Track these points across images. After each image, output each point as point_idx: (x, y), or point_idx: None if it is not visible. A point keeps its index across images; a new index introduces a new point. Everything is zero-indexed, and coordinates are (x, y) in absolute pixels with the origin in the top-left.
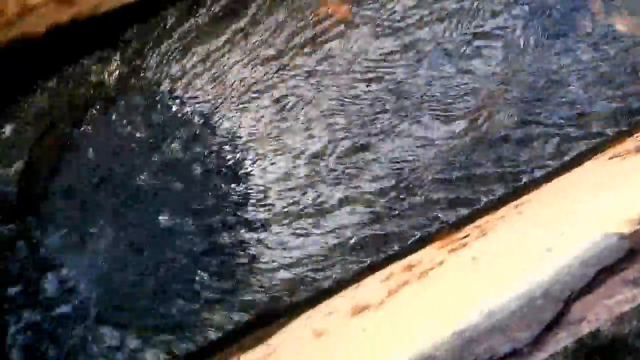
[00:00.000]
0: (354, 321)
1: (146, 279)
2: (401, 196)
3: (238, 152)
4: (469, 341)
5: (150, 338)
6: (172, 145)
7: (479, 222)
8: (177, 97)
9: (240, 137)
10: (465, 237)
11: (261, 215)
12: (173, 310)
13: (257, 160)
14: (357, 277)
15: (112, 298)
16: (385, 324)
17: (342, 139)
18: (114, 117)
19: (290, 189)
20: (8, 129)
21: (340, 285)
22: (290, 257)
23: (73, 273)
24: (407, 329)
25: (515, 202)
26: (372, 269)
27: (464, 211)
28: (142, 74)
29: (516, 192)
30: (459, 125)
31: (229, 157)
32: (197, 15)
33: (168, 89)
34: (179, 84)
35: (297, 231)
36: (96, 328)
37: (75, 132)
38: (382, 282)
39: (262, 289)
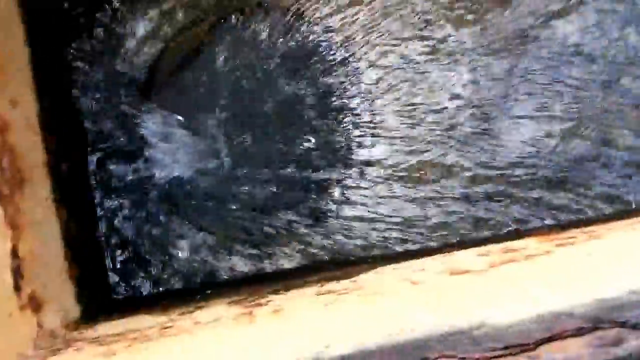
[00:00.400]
0: (453, 278)
1: (241, 193)
2: (506, 186)
3: (362, 96)
4: (612, 307)
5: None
6: (298, 73)
7: (585, 229)
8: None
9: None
10: (571, 237)
11: (363, 167)
12: (258, 230)
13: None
14: (443, 249)
15: (204, 200)
16: (498, 285)
17: (474, 105)
18: (251, 30)
19: (402, 144)
20: (151, 16)
21: (425, 253)
22: (381, 214)
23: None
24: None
25: (629, 221)
26: (460, 245)
27: (566, 216)
28: None
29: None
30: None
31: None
32: None
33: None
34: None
35: (396, 191)
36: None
37: (210, 34)
38: (479, 256)
39: (345, 235)
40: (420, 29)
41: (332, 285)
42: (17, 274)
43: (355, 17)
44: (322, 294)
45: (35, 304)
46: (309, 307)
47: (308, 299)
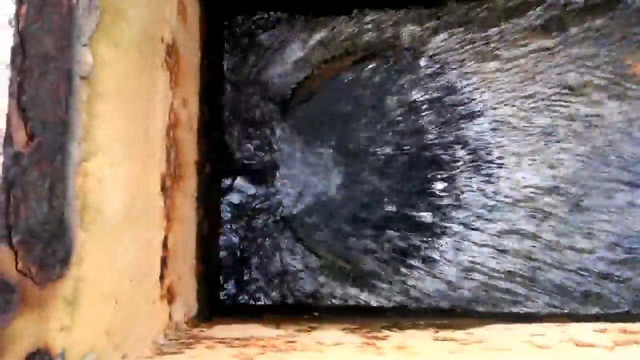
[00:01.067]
0: (580, 349)
1: (354, 226)
2: (626, 267)
3: (493, 151)
4: None
5: (341, 276)
6: (437, 119)
7: None
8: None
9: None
10: None
11: (483, 218)
12: (367, 263)
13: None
14: (552, 317)
15: (316, 223)
16: None
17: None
18: (392, 71)
19: (526, 201)
20: (308, 43)
21: (532, 318)
22: (493, 268)
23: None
24: None
25: None
26: (570, 317)
27: None
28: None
29: None
30: None
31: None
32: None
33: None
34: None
35: (510, 249)
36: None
37: (351, 69)
38: (597, 332)
39: (453, 285)
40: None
41: (448, 334)
42: (164, 264)
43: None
44: (441, 339)
45: (170, 296)
46: (434, 350)
47: (429, 342)
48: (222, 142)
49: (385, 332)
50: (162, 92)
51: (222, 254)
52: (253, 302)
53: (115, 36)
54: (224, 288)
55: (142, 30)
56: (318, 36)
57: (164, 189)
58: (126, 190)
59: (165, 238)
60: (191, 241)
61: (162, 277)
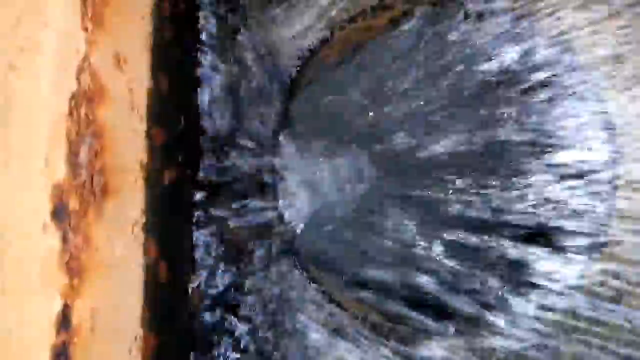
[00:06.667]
0: None
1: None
2: None
3: None
4: None
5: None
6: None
7: None
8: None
9: None
10: None
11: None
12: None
13: None
14: None
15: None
16: None
17: None
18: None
19: None
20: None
21: None
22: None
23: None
24: None
25: None
26: None
27: None
28: None
29: None
30: None
31: None
32: None
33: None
34: None
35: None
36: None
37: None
38: None
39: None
40: None
41: None
42: (61, 356)
43: None
44: None
45: None
46: None
47: None
48: (195, 136)
49: None
50: (60, 27)
51: (196, 314)
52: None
53: None
54: None
55: None
56: None
57: (58, 215)
58: None
59: (66, 309)
60: (133, 300)
61: None
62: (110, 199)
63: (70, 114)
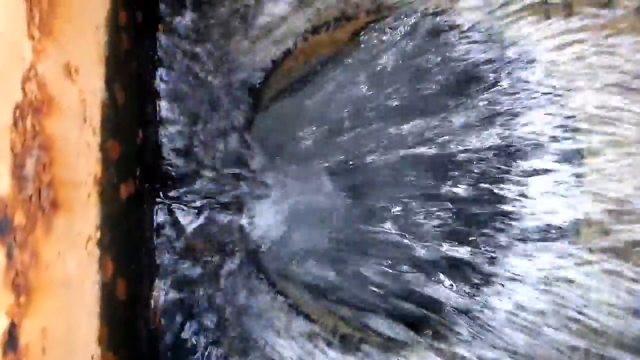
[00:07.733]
0: None
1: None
2: None
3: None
4: None
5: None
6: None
7: None
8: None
9: None
10: None
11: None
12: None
13: None
14: None
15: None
16: None
17: None
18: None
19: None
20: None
21: None
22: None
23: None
24: None
25: None
26: None
27: None
28: None
29: None
30: None
31: None
32: None
33: None
34: None
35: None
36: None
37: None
38: None
39: None
40: None
41: None
42: None
43: None
44: None
45: None
46: None
47: None
48: (154, 149)
49: None
50: (3, 35)
51: (157, 330)
52: None
53: None
54: None
55: None
56: None
57: (2, 230)
58: None
59: (12, 328)
60: (89, 318)
61: None
62: (60, 214)
63: (15, 124)
